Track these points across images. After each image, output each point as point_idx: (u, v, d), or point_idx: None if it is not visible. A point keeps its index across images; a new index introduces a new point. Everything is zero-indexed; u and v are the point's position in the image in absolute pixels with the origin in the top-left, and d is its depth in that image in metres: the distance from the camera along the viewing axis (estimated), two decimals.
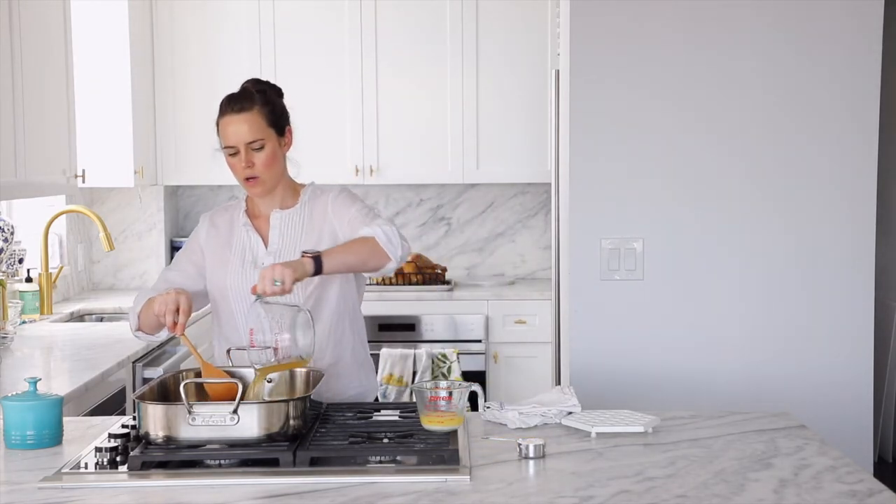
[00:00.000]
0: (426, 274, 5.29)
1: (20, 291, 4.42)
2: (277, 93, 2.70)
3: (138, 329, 2.67)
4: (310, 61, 5.29)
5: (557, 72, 3.95)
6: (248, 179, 2.64)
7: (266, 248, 2.69)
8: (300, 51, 5.29)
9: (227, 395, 2.26)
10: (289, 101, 2.74)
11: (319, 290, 2.67)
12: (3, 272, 4.25)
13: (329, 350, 2.69)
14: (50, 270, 4.65)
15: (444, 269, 5.38)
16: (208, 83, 5.27)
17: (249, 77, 2.76)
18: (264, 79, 2.74)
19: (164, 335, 2.66)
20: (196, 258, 2.75)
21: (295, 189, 2.76)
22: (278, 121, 2.66)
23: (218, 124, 2.65)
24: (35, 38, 3.75)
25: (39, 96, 3.79)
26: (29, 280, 4.49)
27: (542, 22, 5.29)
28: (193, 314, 2.61)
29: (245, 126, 2.60)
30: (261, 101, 2.63)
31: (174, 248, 5.61)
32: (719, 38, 3.44)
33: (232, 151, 2.62)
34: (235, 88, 2.70)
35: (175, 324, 2.47)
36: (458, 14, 5.30)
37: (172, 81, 5.32)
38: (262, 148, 2.61)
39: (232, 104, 2.62)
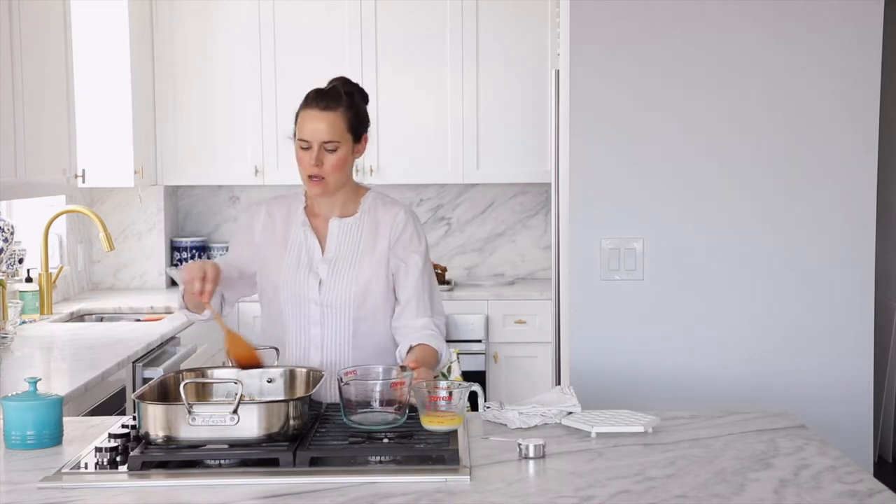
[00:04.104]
0: None
1: (20, 291, 4.42)
2: (364, 98, 2.70)
3: (184, 307, 2.68)
4: (309, 62, 5.27)
5: (557, 72, 3.95)
6: (311, 177, 2.63)
7: (322, 254, 2.69)
8: (300, 51, 5.28)
9: (251, 362, 2.47)
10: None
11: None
12: (3, 272, 4.25)
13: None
14: (50, 270, 4.65)
15: (444, 269, 5.37)
16: (208, 83, 5.26)
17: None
18: (354, 80, 2.72)
19: (207, 315, 2.65)
20: (248, 251, 2.74)
21: (356, 193, 2.74)
22: (358, 127, 2.65)
23: (298, 115, 2.64)
24: (35, 38, 3.75)
25: (39, 96, 3.79)
26: (29, 280, 4.49)
27: (542, 22, 5.30)
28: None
29: (325, 125, 2.59)
30: (347, 103, 2.62)
31: (174, 248, 5.61)
32: (719, 39, 3.44)
33: (305, 145, 2.61)
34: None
35: (202, 291, 2.47)
36: (458, 14, 5.30)
37: (172, 81, 5.32)
38: (335, 150, 2.60)
39: (318, 100, 2.61)
